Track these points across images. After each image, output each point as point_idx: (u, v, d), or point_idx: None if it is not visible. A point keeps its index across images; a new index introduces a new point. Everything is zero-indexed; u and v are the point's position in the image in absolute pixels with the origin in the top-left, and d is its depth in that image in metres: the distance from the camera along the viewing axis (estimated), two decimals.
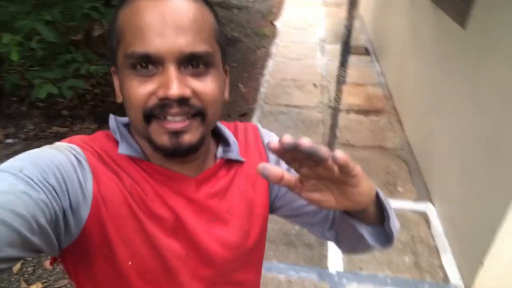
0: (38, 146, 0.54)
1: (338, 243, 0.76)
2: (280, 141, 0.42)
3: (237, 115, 3.53)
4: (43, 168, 0.48)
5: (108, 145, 0.59)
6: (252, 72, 4.46)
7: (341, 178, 0.47)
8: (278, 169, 0.46)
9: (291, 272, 2.06)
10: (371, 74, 4.42)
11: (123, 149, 0.58)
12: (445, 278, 2.02)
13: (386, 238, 0.63)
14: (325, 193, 0.51)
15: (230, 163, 0.67)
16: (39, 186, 0.46)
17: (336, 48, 4.61)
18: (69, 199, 0.50)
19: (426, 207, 2.49)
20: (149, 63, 0.52)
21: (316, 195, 0.51)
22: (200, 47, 0.52)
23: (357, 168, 0.47)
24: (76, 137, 0.59)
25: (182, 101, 0.52)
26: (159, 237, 0.57)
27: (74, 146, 0.56)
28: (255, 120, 3.47)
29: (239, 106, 3.70)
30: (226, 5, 6.81)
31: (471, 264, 1.93)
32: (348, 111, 3.62)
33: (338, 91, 2.72)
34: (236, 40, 5.31)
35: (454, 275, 2.03)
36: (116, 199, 0.55)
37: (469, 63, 2.14)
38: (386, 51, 4.33)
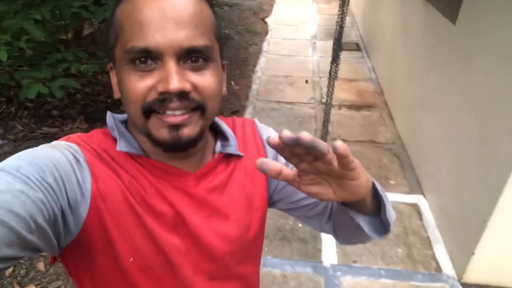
0: (28, 147, 0.54)
1: (336, 235, 0.77)
2: (280, 136, 0.42)
3: (229, 112, 3.53)
4: (41, 167, 0.48)
5: (106, 143, 0.59)
6: (244, 69, 4.46)
7: (341, 172, 0.47)
8: (276, 163, 0.47)
9: (286, 266, 2.07)
10: (363, 69, 4.44)
11: (121, 146, 0.58)
12: (438, 268, 2.04)
13: (382, 227, 0.63)
14: (324, 186, 0.51)
15: (229, 157, 0.67)
16: (36, 185, 0.46)
17: (327, 44, 4.63)
18: (68, 198, 0.50)
19: (417, 199, 2.52)
20: (148, 57, 0.52)
21: (315, 188, 0.51)
22: (200, 42, 0.52)
23: (356, 161, 0.47)
24: (74, 135, 0.58)
25: (182, 95, 0.52)
26: (159, 233, 0.57)
27: (71, 144, 0.55)
28: (247, 117, 3.47)
29: (231, 103, 3.70)
30: (217, 2, 6.79)
31: (462, 254, 1.95)
32: (340, 106, 3.64)
33: (330, 86, 2.73)
34: (227, 37, 5.31)
35: (446, 265, 2.06)
36: (115, 196, 0.55)
37: (458, 58, 2.16)
38: (377, 47, 4.36)
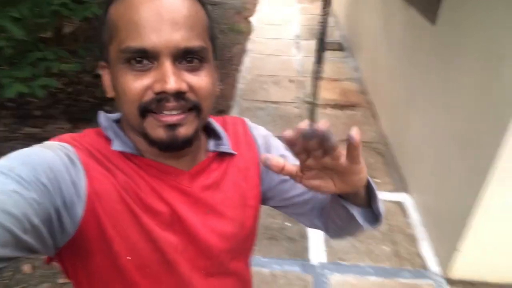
0: (9, 148, 0.53)
1: (326, 229, 0.78)
2: (298, 128, 0.44)
3: (214, 112, 3.51)
4: (34, 167, 0.48)
5: (99, 142, 0.59)
6: (228, 68, 4.44)
7: (346, 166, 0.49)
8: (280, 159, 0.49)
9: (275, 265, 2.08)
10: (346, 69, 4.50)
11: (116, 146, 0.58)
12: (424, 265, 2.09)
13: (374, 218, 0.65)
14: (325, 179, 0.53)
15: (222, 156, 0.68)
16: (30, 185, 0.46)
17: (311, 44, 4.66)
18: (62, 197, 0.50)
19: (402, 197, 2.57)
20: (144, 58, 0.52)
21: (316, 182, 0.53)
22: (195, 43, 0.53)
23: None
24: (65, 135, 0.58)
25: (179, 95, 0.53)
26: (156, 231, 0.58)
27: (64, 144, 0.55)
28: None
29: (216, 103, 3.61)
30: (200, 1, 6.73)
31: (447, 251, 2.00)
32: (324, 106, 3.67)
33: (315, 86, 2.76)
34: None
35: (431, 262, 2.11)
36: (111, 196, 0.55)
37: (438, 58, 2.22)
38: (361, 47, 4.41)
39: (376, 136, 3.24)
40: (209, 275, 0.66)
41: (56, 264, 0.59)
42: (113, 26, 0.54)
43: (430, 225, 2.26)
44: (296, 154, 0.48)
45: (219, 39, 5.29)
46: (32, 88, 2.54)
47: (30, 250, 0.46)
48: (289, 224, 2.34)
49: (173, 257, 0.60)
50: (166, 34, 0.51)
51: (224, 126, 0.72)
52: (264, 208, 0.78)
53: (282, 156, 0.74)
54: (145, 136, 0.56)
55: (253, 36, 5.45)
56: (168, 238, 0.59)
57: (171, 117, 0.54)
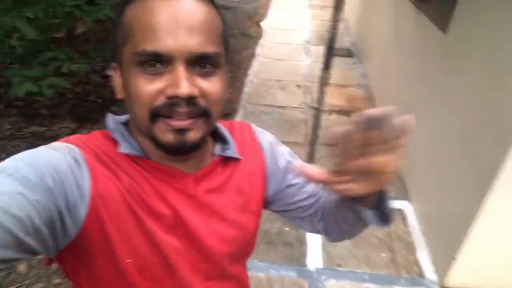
0: (14, 146, 0.55)
1: (327, 233, 0.79)
2: (364, 112, 0.45)
3: (220, 116, 3.54)
4: (39, 168, 0.48)
5: (106, 144, 0.59)
6: (237, 72, 4.47)
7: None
8: (315, 169, 0.51)
9: (271, 270, 2.08)
10: (354, 75, 4.48)
11: (123, 148, 0.58)
12: (420, 273, 2.07)
13: (384, 218, 0.65)
14: (358, 182, 0.52)
15: (227, 160, 0.69)
16: (35, 187, 0.46)
17: (320, 50, 4.66)
18: (66, 199, 0.50)
19: (403, 205, 2.55)
20: (158, 61, 0.52)
21: (348, 186, 0.53)
22: (210, 48, 0.54)
23: None
24: (73, 137, 0.59)
25: (190, 100, 0.53)
26: (158, 234, 0.58)
27: (71, 145, 0.56)
28: (238, 120, 3.48)
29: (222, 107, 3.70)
30: (216, 6, 6.79)
31: (444, 259, 1.98)
32: (330, 111, 3.67)
33: (321, 92, 2.76)
34: None
35: (428, 270, 2.09)
36: (115, 197, 0.55)
37: (446, 67, 2.20)
38: (369, 53, 4.40)
39: None
40: (209, 279, 0.66)
41: (53, 265, 0.60)
42: (128, 28, 0.54)
43: (429, 234, 2.24)
44: (347, 150, 0.49)
45: (230, 43, 5.33)
46: (40, 87, 2.59)
47: (31, 252, 0.46)
48: (287, 229, 2.34)
49: (174, 260, 0.60)
50: (182, 39, 0.51)
51: (231, 131, 0.73)
52: (263, 213, 0.78)
53: (288, 162, 0.75)
54: (153, 139, 0.56)
55: (262, 41, 5.48)
56: (171, 242, 0.59)
57: (181, 122, 0.54)
